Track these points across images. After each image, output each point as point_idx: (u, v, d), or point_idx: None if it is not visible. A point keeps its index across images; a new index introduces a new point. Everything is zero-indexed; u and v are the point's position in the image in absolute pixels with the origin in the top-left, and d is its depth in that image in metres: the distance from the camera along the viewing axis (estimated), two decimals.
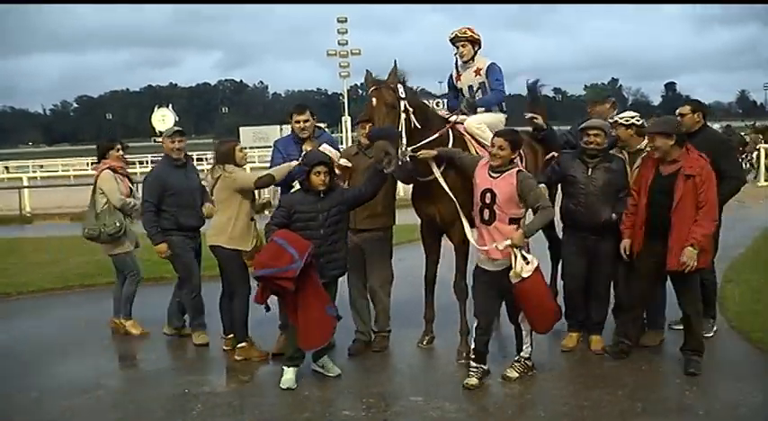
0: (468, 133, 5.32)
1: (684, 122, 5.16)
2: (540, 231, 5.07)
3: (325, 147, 5.14)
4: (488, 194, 4.61)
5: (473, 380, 4.65)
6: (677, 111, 5.44)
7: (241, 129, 46.62)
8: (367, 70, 4.87)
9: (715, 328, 5.56)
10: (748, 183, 10.27)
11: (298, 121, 5.39)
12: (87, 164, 35.94)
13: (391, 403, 4.53)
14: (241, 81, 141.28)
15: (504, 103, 5.72)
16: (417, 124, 4.88)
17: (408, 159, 4.84)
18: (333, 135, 8.42)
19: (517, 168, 4.67)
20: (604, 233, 5.05)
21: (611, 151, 5.17)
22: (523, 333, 4.83)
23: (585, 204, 5.03)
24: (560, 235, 5.56)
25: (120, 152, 6.24)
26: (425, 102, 5.32)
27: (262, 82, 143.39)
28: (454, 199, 4.95)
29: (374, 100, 4.75)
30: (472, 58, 5.65)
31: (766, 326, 5.49)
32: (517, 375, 4.77)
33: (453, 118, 5.38)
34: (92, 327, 6.45)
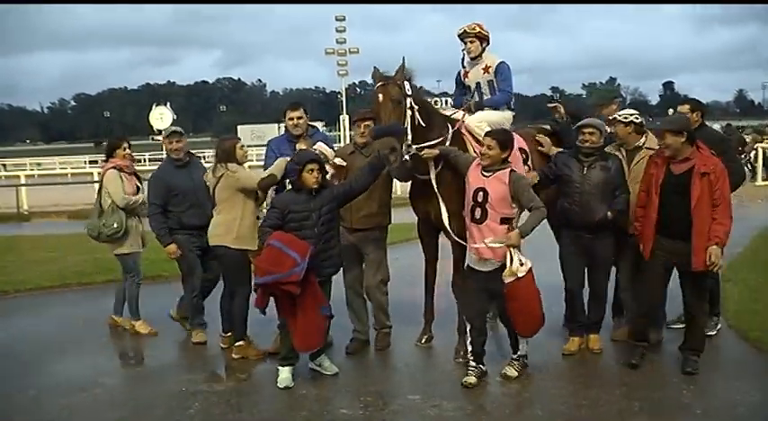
0: (467, 131, 5.29)
1: None
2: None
3: (320, 145, 5.13)
4: (481, 193, 4.60)
5: (471, 379, 4.65)
6: (677, 109, 5.44)
7: (239, 127, 46.54)
8: (375, 67, 4.84)
9: (719, 326, 5.57)
10: (746, 183, 10.27)
11: (291, 118, 5.39)
12: (85, 162, 35.96)
13: (389, 401, 4.52)
14: (239, 79, 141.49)
15: (512, 102, 5.66)
16: (422, 122, 4.86)
17: (409, 157, 4.81)
18: (330, 133, 8.41)
19: (510, 168, 4.65)
20: (599, 232, 5.03)
21: (606, 148, 5.14)
22: None
23: (580, 203, 5.00)
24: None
25: (128, 151, 6.21)
26: (429, 100, 5.30)
27: (260, 80, 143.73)
28: (441, 202, 4.94)
29: (381, 96, 4.72)
30: (480, 55, 5.54)
31: (764, 325, 5.48)
32: (516, 374, 4.77)
33: (458, 115, 5.35)
34: (90, 326, 6.44)
